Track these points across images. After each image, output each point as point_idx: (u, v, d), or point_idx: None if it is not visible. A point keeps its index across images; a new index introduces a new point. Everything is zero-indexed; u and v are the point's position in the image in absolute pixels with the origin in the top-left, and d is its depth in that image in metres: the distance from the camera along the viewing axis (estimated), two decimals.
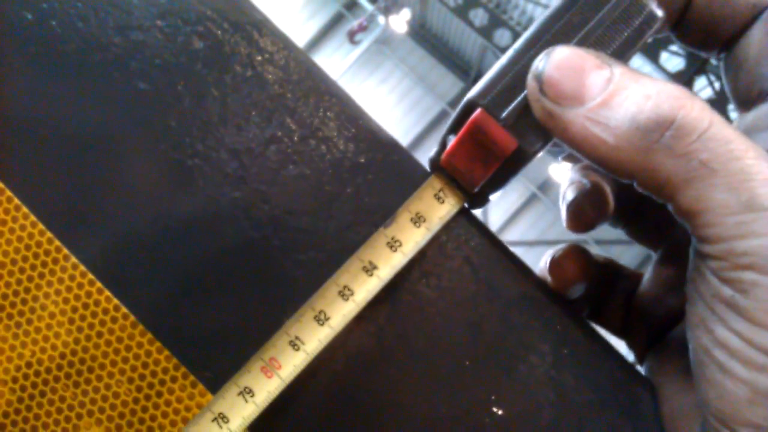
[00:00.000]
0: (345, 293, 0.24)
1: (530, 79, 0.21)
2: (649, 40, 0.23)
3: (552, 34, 0.22)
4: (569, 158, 0.30)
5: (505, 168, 0.23)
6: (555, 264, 0.28)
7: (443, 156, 0.24)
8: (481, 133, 0.22)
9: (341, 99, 0.26)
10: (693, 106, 0.19)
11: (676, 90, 0.20)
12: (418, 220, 0.24)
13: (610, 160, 0.20)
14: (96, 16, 0.27)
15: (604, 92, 0.20)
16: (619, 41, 0.22)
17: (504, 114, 0.22)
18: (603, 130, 0.20)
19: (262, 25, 0.26)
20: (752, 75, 0.24)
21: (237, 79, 0.26)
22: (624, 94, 0.20)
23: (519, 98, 0.22)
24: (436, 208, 0.24)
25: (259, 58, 0.26)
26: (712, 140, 0.19)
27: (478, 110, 0.22)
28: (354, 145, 0.26)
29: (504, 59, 0.23)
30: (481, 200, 0.25)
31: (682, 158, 0.19)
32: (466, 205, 0.25)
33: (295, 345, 0.24)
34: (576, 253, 0.28)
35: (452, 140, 0.23)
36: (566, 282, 0.28)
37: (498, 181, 0.24)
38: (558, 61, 0.20)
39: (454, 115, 0.24)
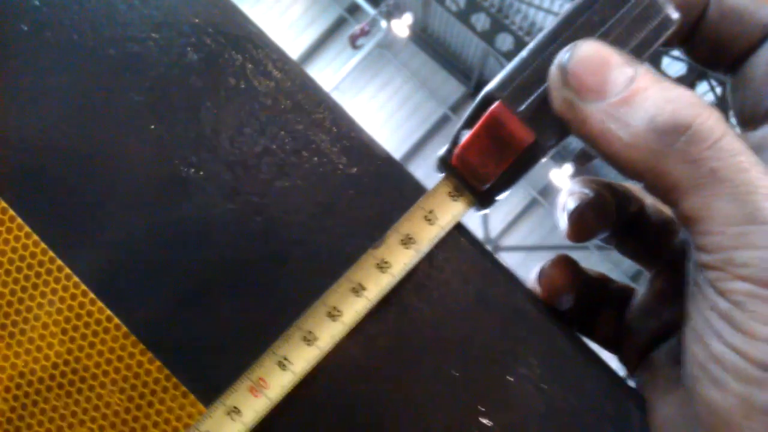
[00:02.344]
0: (334, 314, 0.24)
1: (554, 70, 0.21)
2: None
3: (573, 30, 0.22)
4: (580, 159, 0.30)
5: (518, 164, 0.23)
6: (543, 274, 0.28)
7: (456, 150, 0.24)
8: (498, 126, 0.23)
9: (334, 111, 0.26)
10: (710, 115, 0.20)
11: (694, 98, 0.20)
12: (407, 241, 0.24)
13: (622, 158, 0.21)
14: (91, 28, 0.27)
15: (627, 90, 0.20)
16: (636, 41, 0.22)
17: (522, 107, 0.22)
18: (620, 128, 0.20)
19: (256, 38, 0.27)
20: (759, 94, 0.24)
21: (231, 91, 0.26)
22: (645, 94, 0.20)
23: (537, 92, 0.22)
24: (426, 230, 0.24)
25: (253, 70, 0.26)
26: (724, 150, 0.19)
27: (497, 102, 0.22)
28: (346, 157, 0.26)
29: (524, 53, 0.23)
30: (488, 200, 0.25)
31: (692, 164, 0.20)
32: (474, 210, 0.25)
33: (282, 365, 0.24)
34: (564, 264, 0.28)
35: (466, 135, 0.24)
36: (554, 292, 0.28)
37: (508, 179, 0.24)
38: (584, 55, 0.21)
39: (469, 109, 0.24)
